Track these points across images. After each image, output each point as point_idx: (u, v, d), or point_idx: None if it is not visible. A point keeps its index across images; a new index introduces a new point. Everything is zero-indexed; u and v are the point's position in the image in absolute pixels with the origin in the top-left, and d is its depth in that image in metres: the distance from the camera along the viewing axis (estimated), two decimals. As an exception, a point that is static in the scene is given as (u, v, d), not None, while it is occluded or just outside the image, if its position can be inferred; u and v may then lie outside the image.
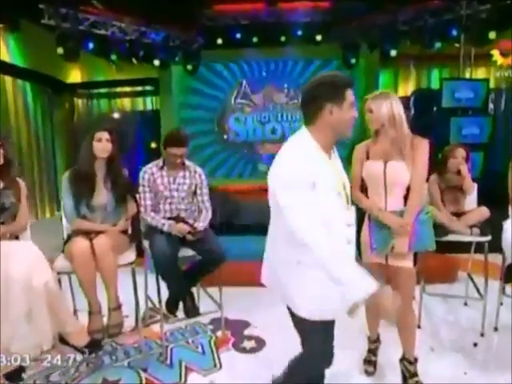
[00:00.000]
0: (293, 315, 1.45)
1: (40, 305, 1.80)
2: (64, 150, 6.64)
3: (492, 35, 4.26)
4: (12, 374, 1.83)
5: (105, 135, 2.19)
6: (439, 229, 2.59)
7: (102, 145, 2.17)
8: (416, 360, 2.02)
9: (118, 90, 6.94)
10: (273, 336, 2.57)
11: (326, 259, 1.27)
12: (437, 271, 3.57)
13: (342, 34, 5.61)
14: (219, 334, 2.69)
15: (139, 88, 6.95)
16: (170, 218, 2.46)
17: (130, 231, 2.51)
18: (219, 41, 5.79)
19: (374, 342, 2.24)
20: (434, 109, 5.87)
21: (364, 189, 2.01)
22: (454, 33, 4.60)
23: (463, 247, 2.98)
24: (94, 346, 1.97)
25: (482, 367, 2.25)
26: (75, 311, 2.41)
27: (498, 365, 2.25)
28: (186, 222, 2.45)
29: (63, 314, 1.88)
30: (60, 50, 4.43)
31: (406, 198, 1.89)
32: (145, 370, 2.26)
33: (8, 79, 5.37)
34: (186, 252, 2.40)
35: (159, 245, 2.24)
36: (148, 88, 6.93)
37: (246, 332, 2.71)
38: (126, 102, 7.04)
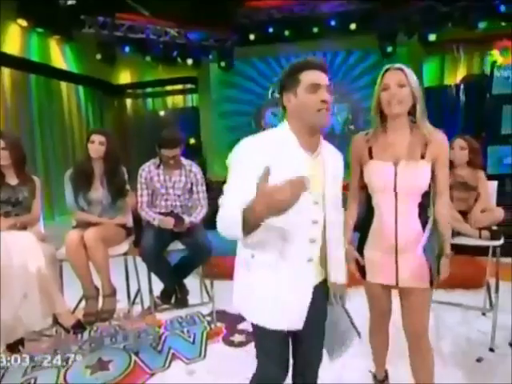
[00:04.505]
0: None
1: (33, 288, 2.04)
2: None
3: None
4: (12, 345, 2.10)
5: (98, 138, 2.37)
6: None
7: (95, 146, 2.37)
8: None
9: (162, 89, 7.33)
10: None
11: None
12: (461, 276, 3.28)
13: (378, 22, 5.28)
14: (214, 325, 2.78)
15: (180, 86, 7.26)
16: (165, 213, 2.60)
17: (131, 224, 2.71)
18: (252, 37, 5.83)
19: (382, 382, 1.91)
20: (487, 96, 5.31)
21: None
22: (502, 9, 4.08)
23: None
24: (79, 327, 2.17)
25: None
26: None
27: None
28: (179, 217, 2.56)
29: (54, 297, 2.11)
30: (98, 56, 4.83)
31: (421, 208, 1.53)
32: (136, 354, 2.44)
33: (63, 84, 5.99)
34: (176, 245, 2.53)
35: (146, 239, 2.39)
36: (188, 86, 7.22)
37: (241, 326, 2.76)
38: (169, 100, 7.43)
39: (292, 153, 1.23)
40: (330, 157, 1.33)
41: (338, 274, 1.39)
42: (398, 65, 1.48)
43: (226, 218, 1.11)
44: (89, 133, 2.45)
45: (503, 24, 4.36)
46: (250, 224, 1.01)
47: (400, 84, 1.44)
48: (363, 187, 1.61)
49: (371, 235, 1.60)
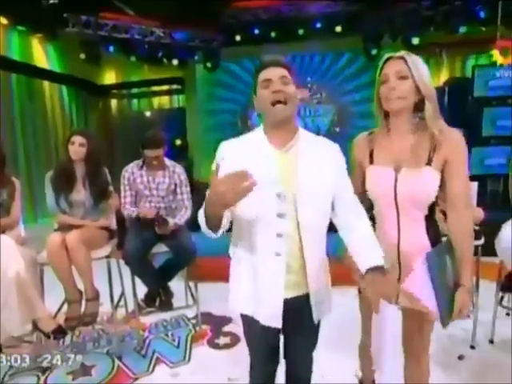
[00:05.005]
0: None
1: (12, 293, 1.98)
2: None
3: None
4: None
5: (78, 139, 2.33)
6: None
7: (75, 148, 2.32)
8: None
9: (148, 89, 7.26)
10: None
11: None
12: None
13: (364, 24, 5.34)
14: (199, 328, 2.76)
15: (166, 87, 7.21)
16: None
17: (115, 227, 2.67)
18: (238, 37, 5.82)
19: None
20: (469, 99, 5.42)
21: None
22: (482, 15, 4.18)
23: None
24: (60, 332, 2.12)
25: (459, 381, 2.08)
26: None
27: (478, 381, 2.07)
28: (163, 219, 2.53)
29: (34, 301, 2.06)
30: (82, 55, 4.76)
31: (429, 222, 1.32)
32: (120, 358, 2.40)
33: (46, 84, 5.87)
34: (160, 248, 2.50)
35: (130, 242, 2.36)
36: (175, 87, 7.17)
37: (226, 328, 2.75)
38: (155, 101, 7.36)
39: (260, 149, 1.25)
40: (314, 150, 1.26)
41: (319, 282, 1.28)
42: (400, 53, 1.27)
43: (199, 216, 1.15)
44: (69, 134, 2.41)
45: (483, 29, 4.46)
46: (211, 217, 1.05)
47: (400, 76, 1.24)
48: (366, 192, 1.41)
49: None
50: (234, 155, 1.23)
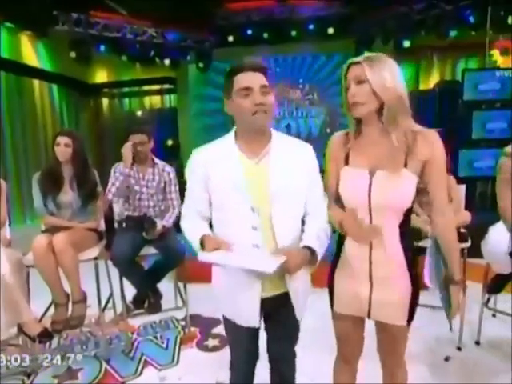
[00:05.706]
0: None
1: (-3, 296, 1.95)
2: (91, 149, 7.06)
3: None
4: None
5: (63, 140, 2.30)
6: (415, 233, 2.44)
7: (60, 149, 2.29)
8: None
9: (139, 89, 7.22)
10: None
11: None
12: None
13: (356, 27, 5.37)
14: (188, 330, 2.74)
15: (158, 87, 7.17)
16: (138, 217, 2.55)
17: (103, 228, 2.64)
18: (230, 38, 5.81)
19: None
20: (459, 102, 5.48)
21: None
22: (471, 20, 4.24)
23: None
24: (46, 335, 2.09)
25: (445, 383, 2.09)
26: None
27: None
28: (152, 221, 2.51)
29: (19, 305, 2.03)
30: (72, 54, 4.71)
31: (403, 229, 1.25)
32: (107, 361, 2.38)
33: (35, 82, 5.79)
34: (149, 250, 2.48)
35: (118, 244, 2.33)
36: (166, 86, 7.13)
37: (215, 330, 2.74)
38: (147, 101, 7.31)
39: (231, 160, 1.24)
40: (287, 155, 1.25)
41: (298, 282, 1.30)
42: (359, 57, 1.21)
43: (187, 236, 1.32)
44: (55, 135, 2.38)
45: (473, 33, 4.53)
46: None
47: (358, 80, 1.18)
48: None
49: (343, 257, 1.32)
50: (206, 164, 1.27)
